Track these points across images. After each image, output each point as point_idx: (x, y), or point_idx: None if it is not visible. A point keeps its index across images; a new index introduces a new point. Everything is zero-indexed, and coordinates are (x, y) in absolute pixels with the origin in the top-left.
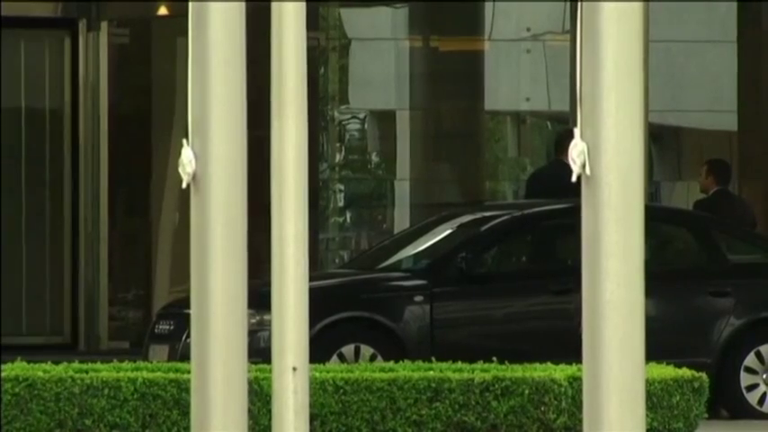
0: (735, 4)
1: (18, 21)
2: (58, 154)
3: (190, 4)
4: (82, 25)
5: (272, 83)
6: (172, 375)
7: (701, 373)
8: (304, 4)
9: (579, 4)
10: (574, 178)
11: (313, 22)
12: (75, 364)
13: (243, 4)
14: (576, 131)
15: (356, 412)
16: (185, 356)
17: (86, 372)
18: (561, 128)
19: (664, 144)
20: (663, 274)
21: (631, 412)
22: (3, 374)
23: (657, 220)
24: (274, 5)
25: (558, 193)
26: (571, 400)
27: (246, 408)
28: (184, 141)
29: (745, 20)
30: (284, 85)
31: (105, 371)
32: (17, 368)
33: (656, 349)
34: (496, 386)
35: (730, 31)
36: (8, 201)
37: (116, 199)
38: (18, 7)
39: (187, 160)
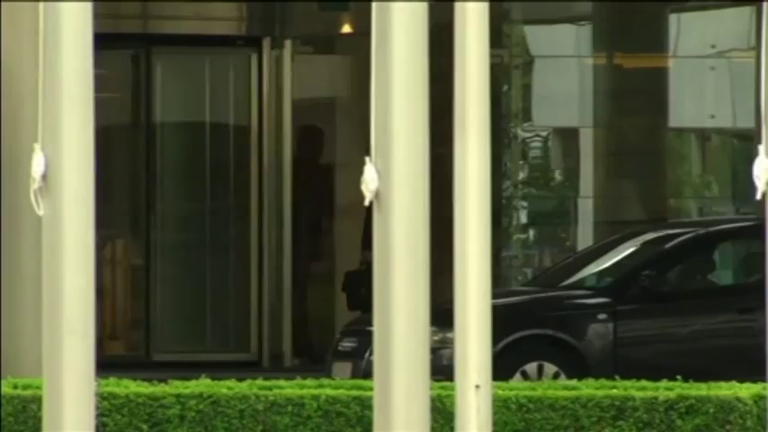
0: None
1: (203, 39)
2: (242, 171)
3: (373, 22)
4: (266, 43)
5: (455, 100)
6: (355, 393)
7: None
8: (488, 21)
9: (764, 20)
10: (758, 196)
11: (497, 40)
12: (259, 381)
13: (426, 23)
14: (761, 149)
15: (539, 430)
16: (368, 374)
17: (270, 389)
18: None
19: None
20: None
21: None
22: (187, 391)
23: None
24: (458, 23)
25: None
26: (756, 419)
27: (429, 425)
28: (367, 159)
29: None
30: (467, 103)
31: (289, 388)
32: (201, 385)
33: None
34: (681, 405)
35: None
36: (193, 217)
37: (300, 216)
38: (203, 26)
39: (370, 178)
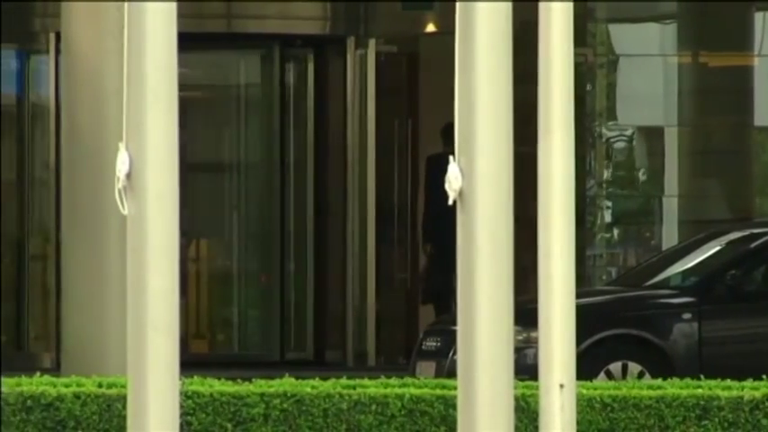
0: None
1: (286, 38)
2: (325, 169)
3: (457, 21)
4: (350, 42)
5: (539, 99)
6: (439, 392)
7: None
8: (572, 20)
9: None
10: None
11: (581, 39)
12: (343, 381)
13: (510, 22)
14: None
15: (624, 430)
16: (452, 373)
17: (354, 388)
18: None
19: None
20: None
21: None
22: (271, 390)
23: None
24: (542, 23)
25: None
26: None
27: (513, 425)
28: (451, 158)
29: None
30: (551, 102)
31: (373, 387)
32: (285, 384)
33: None
34: (767, 404)
35: None
36: (274, 216)
37: (384, 216)
38: (287, 25)
39: (453, 177)
